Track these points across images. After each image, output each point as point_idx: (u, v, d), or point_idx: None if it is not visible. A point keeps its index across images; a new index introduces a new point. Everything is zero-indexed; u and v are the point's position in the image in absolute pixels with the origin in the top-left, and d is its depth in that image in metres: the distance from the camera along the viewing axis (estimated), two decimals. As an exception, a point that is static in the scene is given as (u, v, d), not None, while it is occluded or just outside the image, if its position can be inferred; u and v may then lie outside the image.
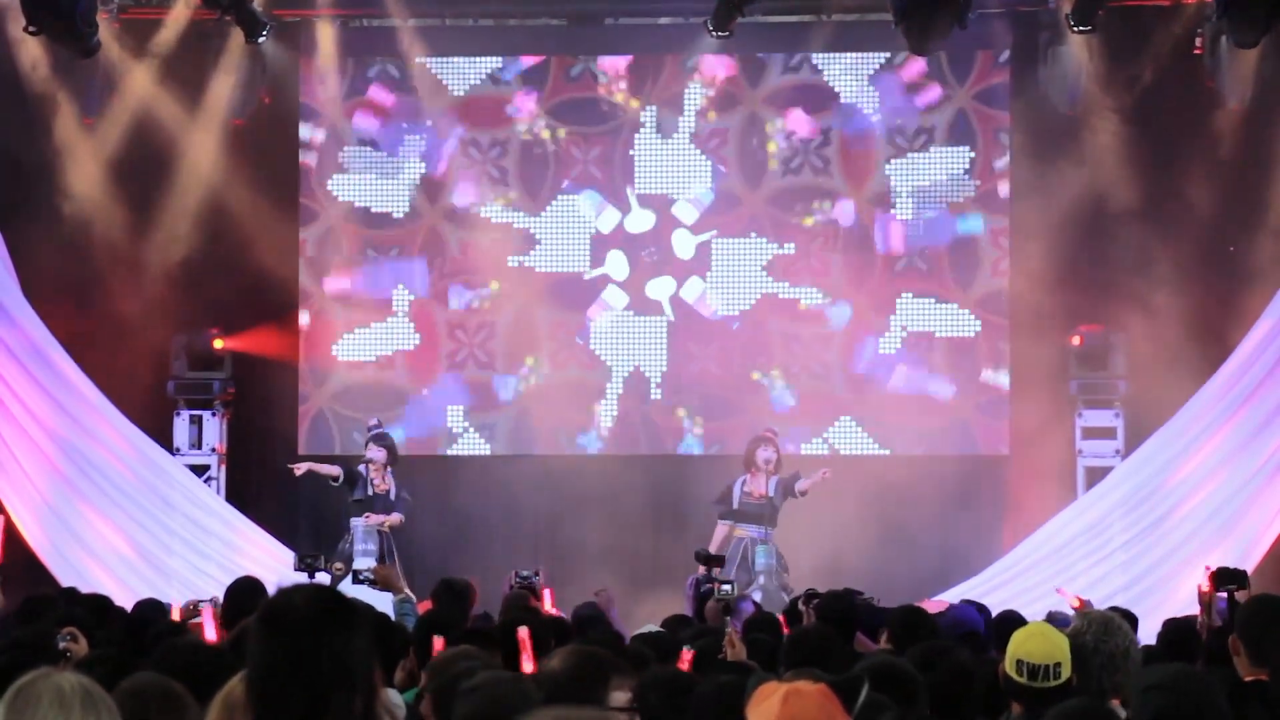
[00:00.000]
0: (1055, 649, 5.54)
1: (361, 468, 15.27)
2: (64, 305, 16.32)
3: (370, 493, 15.18)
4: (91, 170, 16.33)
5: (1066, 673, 5.50)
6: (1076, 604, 9.32)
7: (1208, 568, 8.80)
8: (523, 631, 5.69)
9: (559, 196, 16.85)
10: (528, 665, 5.87)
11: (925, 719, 5.54)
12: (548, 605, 10.14)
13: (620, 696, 4.60)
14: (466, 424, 16.85)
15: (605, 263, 16.84)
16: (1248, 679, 5.72)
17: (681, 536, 15.35)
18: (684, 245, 16.81)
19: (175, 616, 9.20)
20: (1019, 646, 5.55)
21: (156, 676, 4.47)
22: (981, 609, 9.69)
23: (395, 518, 15.18)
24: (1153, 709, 4.76)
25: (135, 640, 7.72)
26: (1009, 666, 5.54)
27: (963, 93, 16.63)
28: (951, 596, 12.62)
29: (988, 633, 8.89)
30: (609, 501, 16.27)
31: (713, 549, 14.15)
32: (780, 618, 9.65)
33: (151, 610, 9.71)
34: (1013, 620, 8.70)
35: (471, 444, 16.85)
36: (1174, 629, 8.54)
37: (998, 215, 16.60)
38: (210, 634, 7.47)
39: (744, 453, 15.36)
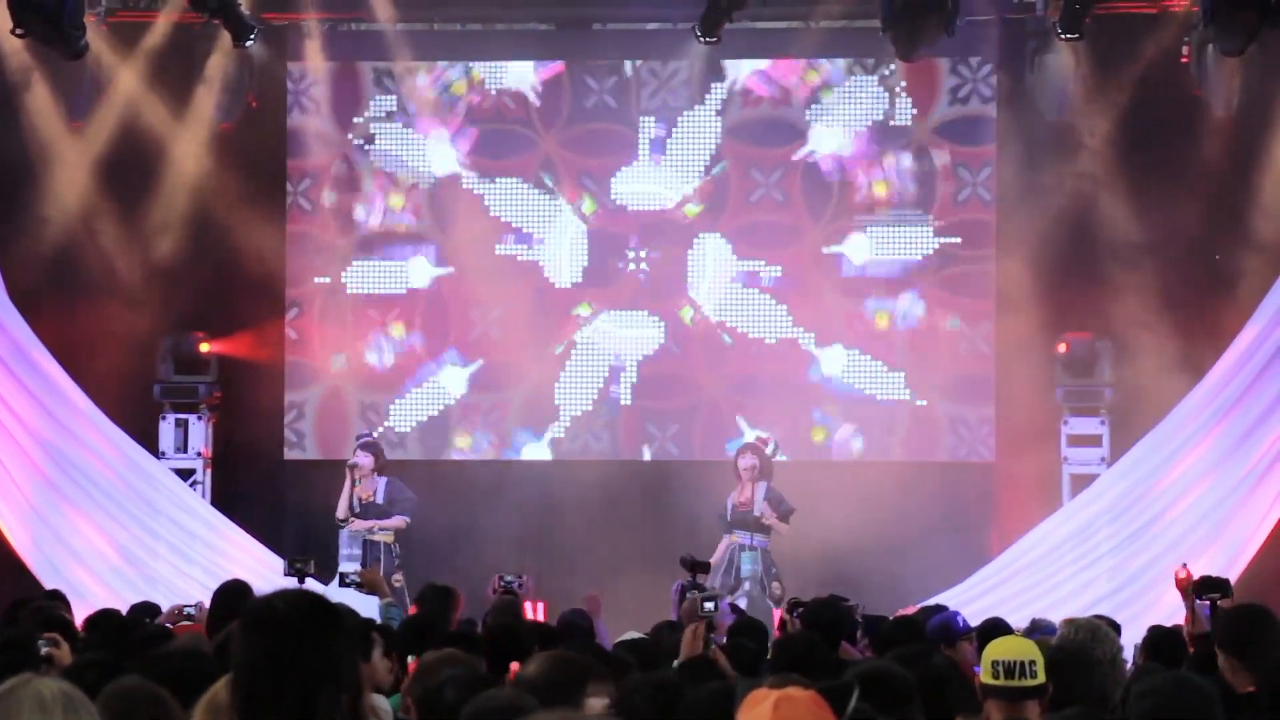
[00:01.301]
0: (1028, 648, 5.58)
1: (346, 497, 15.08)
2: (49, 308, 16.29)
3: (357, 501, 15.10)
4: (78, 173, 16.31)
5: (1042, 675, 5.52)
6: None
7: (1180, 568, 8.75)
8: (515, 666, 5.65)
9: (551, 201, 16.87)
10: None
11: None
12: (532, 615, 10.11)
13: (597, 703, 4.60)
14: (456, 426, 16.84)
15: (594, 263, 16.84)
16: (1241, 691, 5.73)
17: (668, 542, 15.31)
18: (672, 250, 16.83)
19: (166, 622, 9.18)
20: (991, 651, 5.58)
21: (142, 681, 4.46)
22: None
23: (396, 521, 15.03)
24: (1145, 714, 4.76)
25: (122, 645, 7.69)
26: (984, 673, 5.56)
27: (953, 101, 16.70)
28: (936, 603, 12.60)
29: (966, 628, 8.90)
30: (596, 506, 16.27)
31: (714, 560, 14.43)
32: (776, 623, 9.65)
33: (140, 614, 9.70)
34: (998, 628, 8.72)
35: (461, 447, 16.84)
36: (1158, 637, 8.55)
37: (984, 221, 16.62)
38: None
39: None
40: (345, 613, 3.90)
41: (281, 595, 3.79)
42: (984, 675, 5.55)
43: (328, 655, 3.67)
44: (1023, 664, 5.49)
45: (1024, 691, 5.44)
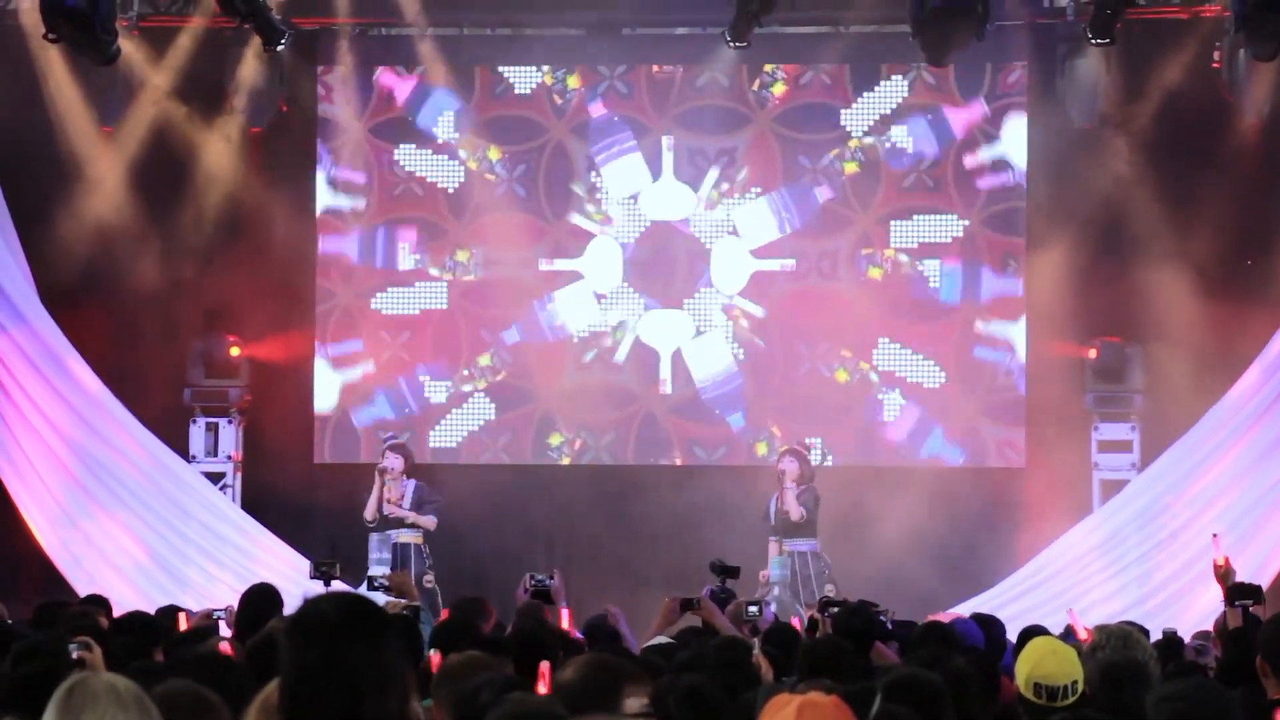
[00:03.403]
0: (1070, 666, 5.49)
1: (375, 499, 15.17)
2: (81, 312, 16.35)
3: (386, 503, 15.17)
4: (110, 177, 16.37)
5: (1082, 687, 5.48)
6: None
7: (1214, 541, 8.75)
8: (544, 666, 5.66)
9: (577, 212, 16.89)
10: (542, 689, 5.84)
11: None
12: (565, 624, 10.09)
13: (634, 704, 4.59)
14: (482, 431, 16.85)
15: (629, 272, 16.85)
16: (1273, 697, 5.70)
17: (697, 547, 15.31)
18: (702, 249, 16.84)
19: (183, 627, 9.16)
20: (1035, 668, 5.48)
21: (190, 684, 4.47)
22: (995, 622, 9.68)
23: (426, 520, 15.13)
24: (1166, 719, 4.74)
25: (149, 648, 7.70)
26: (1024, 688, 5.48)
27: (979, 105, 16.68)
28: (966, 609, 12.58)
29: (987, 646, 8.89)
30: (624, 511, 16.27)
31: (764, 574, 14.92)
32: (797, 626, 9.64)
33: (166, 618, 9.70)
34: (1035, 635, 8.67)
35: (486, 452, 16.85)
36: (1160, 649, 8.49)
37: (1015, 227, 16.60)
38: (224, 646, 7.46)
39: None
40: (391, 614, 3.88)
41: (328, 598, 3.75)
42: (1022, 687, 5.48)
43: (375, 659, 3.65)
44: (1064, 688, 5.42)
45: (1063, 712, 5.39)
